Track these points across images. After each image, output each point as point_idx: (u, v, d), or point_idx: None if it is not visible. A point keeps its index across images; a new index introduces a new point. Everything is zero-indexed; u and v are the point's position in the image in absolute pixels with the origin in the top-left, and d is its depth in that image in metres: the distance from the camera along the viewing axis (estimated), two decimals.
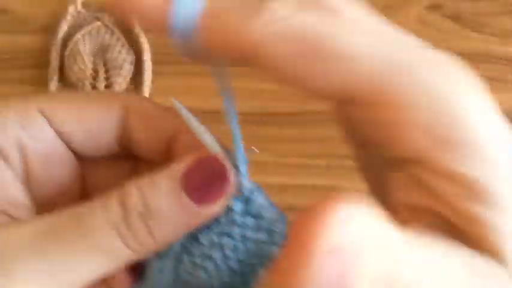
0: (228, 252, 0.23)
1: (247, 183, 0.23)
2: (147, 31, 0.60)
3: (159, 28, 0.21)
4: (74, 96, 0.27)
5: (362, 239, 0.15)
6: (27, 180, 0.25)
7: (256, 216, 0.23)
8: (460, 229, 0.18)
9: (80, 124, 0.25)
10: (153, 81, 0.60)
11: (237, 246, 0.23)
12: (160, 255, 0.24)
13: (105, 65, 0.59)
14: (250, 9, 0.19)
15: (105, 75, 0.58)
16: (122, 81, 0.58)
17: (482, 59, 0.61)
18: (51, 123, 0.25)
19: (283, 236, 0.23)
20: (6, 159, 0.24)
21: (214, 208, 0.23)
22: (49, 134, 0.25)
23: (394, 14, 0.63)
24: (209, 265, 0.24)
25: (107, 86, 0.58)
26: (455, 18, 0.62)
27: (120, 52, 0.59)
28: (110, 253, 0.22)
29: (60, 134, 0.26)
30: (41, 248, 0.21)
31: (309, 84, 0.19)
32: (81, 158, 0.27)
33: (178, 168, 0.23)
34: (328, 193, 0.17)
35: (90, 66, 0.58)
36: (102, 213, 0.22)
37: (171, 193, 0.22)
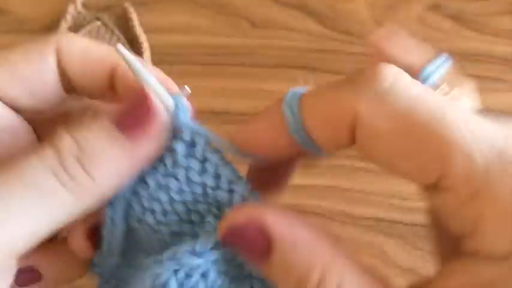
0: (173, 194, 0.24)
1: (189, 124, 0.23)
2: (147, 31, 0.60)
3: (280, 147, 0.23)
4: (9, 56, 0.25)
5: None
6: None
7: (202, 160, 0.23)
8: None
9: (19, 81, 0.25)
10: None
11: (182, 188, 0.23)
12: (111, 202, 0.24)
13: None
14: (346, 88, 0.21)
15: None
16: None
17: (482, 59, 0.61)
18: None
19: (234, 187, 0.23)
20: None
21: (147, 144, 0.22)
22: None
23: (394, 14, 0.63)
24: (156, 207, 0.24)
25: None
26: (455, 18, 0.62)
27: None
28: (53, 199, 0.21)
29: (4, 100, 0.25)
30: None
31: (402, 161, 0.20)
32: (34, 119, 0.27)
33: (107, 109, 0.23)
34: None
35: None
36: (38, 159, 0.22)
37: (101, 131, 0.22)
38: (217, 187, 0.23)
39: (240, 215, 0.22)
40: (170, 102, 0.24)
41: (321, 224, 0.59)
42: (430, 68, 0.27)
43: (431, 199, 0.21)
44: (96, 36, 0.60)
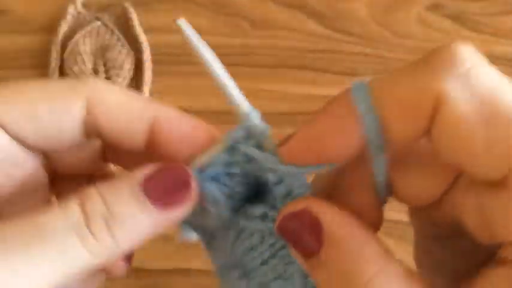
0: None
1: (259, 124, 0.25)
2: (147, 31, 0.60)
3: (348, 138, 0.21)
4: (27, 93, 0.24)
5: None
6: None
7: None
8: None
9: (35, 124, 0.24)
10: (153, 81, 0.60)
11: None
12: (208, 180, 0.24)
13: (105, 65, 0.59)
14: (425, 71, 0.20)
15: (105, 75, 0.58)
16: (121, 81, 0.58)
17: None
18: (4, 129, 0.24)
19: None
20: None
21: (177, 214, 0.23)
22: (3, 141, 0.24)
23: (395, 14, 0.63)
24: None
25: None
26: (455, 18, 0.62)
27: (120, 52, 0.59)
28: (70, 257, 0.21)
29: (15, 138, 0.24)
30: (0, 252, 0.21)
31: (477, 150, 0.19)
32: (46, 152, 0.26)
33: (140, 174, 0.22)
34: None
35: (90, 66, 0.58)
36: (62, 216, 0.21)
37: (132, 198, 0.22)
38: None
39: (299, 203, 0.22)
40: (246, 108, 0.24)
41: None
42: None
43: (481, 198, 0.20)
44: (96, 36, 0.60)
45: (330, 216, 0.21)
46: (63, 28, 0.60)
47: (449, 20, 0.62)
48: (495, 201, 0.20)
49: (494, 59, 0.65)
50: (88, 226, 0.21)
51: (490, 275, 0.20)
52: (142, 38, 0.60)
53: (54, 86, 0.24)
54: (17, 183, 0.25)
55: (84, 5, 0.61)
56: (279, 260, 0.25)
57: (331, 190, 0.24)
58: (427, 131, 0.20)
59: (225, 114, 0.61)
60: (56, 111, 0.24)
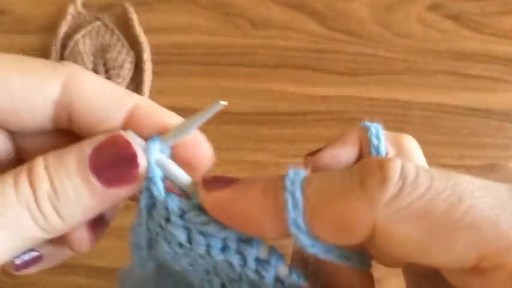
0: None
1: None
2: (147, 31, 0.60)
3: (272, 229, 0.21)
4: (2, 63, 0.23)
5: None
6: None
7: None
8: None
9: (4, 95, 0.23)
10: (153, 81, 0.60)
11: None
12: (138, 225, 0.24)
13: (105, 65, 0.59)
14: (357, 194, 0.19)
15: (105, 75, 0.58)
16: (121, 81, 0.58)
17: (482, 59, 0.61)
18: None
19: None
20: None
21: (123, 192, 0.23)
22: None
23: (395, 14, 0.63)
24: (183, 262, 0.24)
25: None
26: (455, 18, 0.62)
27: (120, 52, 0.59)
28: (22, 231, 0.22)
29: None
30: None
31: (432, 258, 0.19)
32: (14, 133, 0.25)
33: (88, 148, 0.22)
34: None
35: (90, 66, 0.58)
36: (14, 191, 0.22)
37: (78, 174, 0.22)
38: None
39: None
40: (187, 182, 0.23)
41: None
42: (375, 143, 0.30)
43: (466, 282, 0.20)
44: (96, 36, 0.60)
45: None
46: (63, 28, 0.60)
47: (449, 20, 0.62)
48: (477, 282, 0.20)
49: (494, 59, 0.66)
50: (37, 204, 0.22)
51: None
52: (143, 38, 0.60)
53: (32, 62, 0.24)
54: None
55: (84, 5, 0.61)
56: None
57: (320, 271, 0.24)
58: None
59: (225, 114, 0.61)
60: (29, 85, 0.23)
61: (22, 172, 0.22)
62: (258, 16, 0.62)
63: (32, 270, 0.26)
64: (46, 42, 0.60)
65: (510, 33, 0.62)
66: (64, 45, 0.60)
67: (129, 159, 0.22)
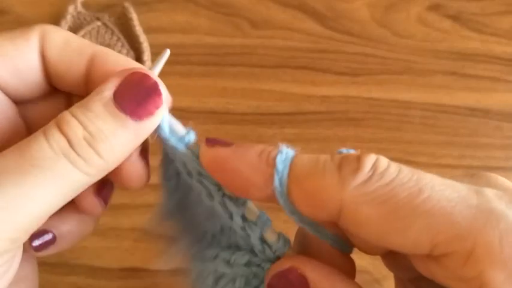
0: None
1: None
2: (147, 31, 0.60)
3: (257, 189, 0.23)
4: None
5: None
6: None
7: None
8: None
9: (4, 63, 0.25)
10: None
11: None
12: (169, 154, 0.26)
13: None
14: (333, 175, 0.22)
15: None
16: None
17: (482, 59, 0.61)
18: None
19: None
20: None
21: (153, 121, 0.24)
22: None
23: (395, 14, 0.63)
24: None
25: None
26: (455, 18, 0.62)
27: (120, 52, 0.59)
28: (65, 180, 0.23)
29: None
30: None
31: (391, 241, 0.21)
32: (18, 102, 0.27)
33: (109, 89, 0.24)
34: None
35: None
36: (47, 144, 0.22)
37: (107, 114, 0.23)
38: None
39: (285, 263, 0.24)
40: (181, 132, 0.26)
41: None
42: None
43: (429, 269, 0.22)
44: (96, 36, 0.60)
45: (316, 273, 0.23)
46: (63, 28, 0.60)
47: (449, 20, 0.62)
48: (434, 267, 0.22)
49: (494, 59, 0.66)
50: (74, 149, 0.23)
51: None
52: (143, 38, 0.60)
53: (12, 31, 0.26)
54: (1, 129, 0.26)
55: (84, 5, 0.61)
56: None
57: (305, 248, 0.27)
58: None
59: (225, 114, 0.61)
60: (18, 43, 0.25)
61: (50, 125, 0.23)
62: (258, 16, 0.62)
63: (50, 251, 0.28)
64: None
65: (510, 33, 0.62)
66: None
67: (152, 88, 0.24)
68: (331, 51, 0.61)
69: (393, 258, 0.27)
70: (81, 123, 0.23)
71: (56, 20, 0.61)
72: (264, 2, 0.62)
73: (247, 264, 0.26)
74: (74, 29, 0.60)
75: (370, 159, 0.22)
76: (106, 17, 0.61)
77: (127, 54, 0.59)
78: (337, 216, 0.22)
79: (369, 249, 0.25)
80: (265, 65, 0.60)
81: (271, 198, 0.23)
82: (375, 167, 0.22)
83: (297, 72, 0.60)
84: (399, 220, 0.21)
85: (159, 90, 0.24)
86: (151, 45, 0.60)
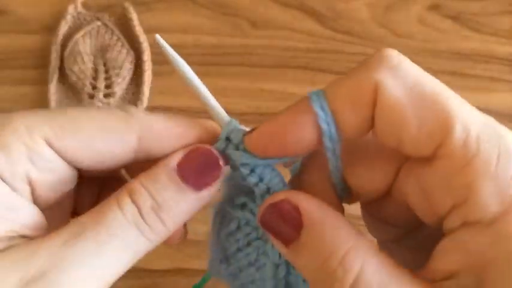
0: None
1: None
2: (147, 31, 0.60)
3: (304, 136, 0.25)
4: (83, 123, 0.26)
5: None
6: (36, 203, 0.26)
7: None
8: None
9: (89, 155, 0.26)
10: (153, 81, 0.60)
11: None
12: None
13: (105, 65, 0.59)
14: (365, 69, 0.24)
15: (105, 75, 0.58)
16: (121, 81, 0.58)
17: (482, 59, 0.61)
18: (59, 154, 0.25)
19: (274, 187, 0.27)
20: (15, 190, 0.24)
21: (212, 190, 0.26)
22: (57, 163, 0.26)
23: (395, 14, 0.63)
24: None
25: (107, 86, 0.58)
26: (455, 18, 0.62)
27: (120, 52, 0.59)
28: (135, 247, 0.25)
29: (68, 161, 0.26)
30: (77, 252, 0.23)
31: (408, 131, 0.23)
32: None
33: (173, 160, 0.26)
34: None
35: (90, 66, 0.58)
36: (121, 212, 0.24)
37: (171, 183, 0.25)
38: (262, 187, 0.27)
39: (278, 196, 0.25)
40: (225, 118, 0.28)
41: None
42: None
43: (420, 177, 0.24)
44: (96, 36, 0.60)
45: (308, 203, 0.24)
46: (63, 28, 0.60)
47: (449, 20, 0.62)
48: (430, 175, 0.23)
49: (494, 59, 0.66)
50: (143, 218, 0.25)
51: (438, 249, 0.23)
52: (143, 38, 0.60)
53: (109, 120, 0.27)
54: (60, 195, 0.27)
55: (84, 5, 0.61)
56: (253, 250, 0.28)
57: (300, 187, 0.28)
58: (372, 122, 0.24)
59: None
60: (111, 142, 0.26)
61: (123, 193, 0.25)
62: (258, 16, 0.62)
63: None
64: (46, 42, 0.60)
65: (510, 33, 0.62)
66: (64, 45, 0.60)
67: (213, 163, 0.26)
68: (331, 51, 0.61)
69: (377, 209, 0.28)
70: (149, 193, 0.25)
71: (56, 20, 0.61)
72: (264, 2, 0.62)
73: (242, 206, 0.28)
74: (74, 29, 0.60)
75: (393, 51, 0.24)
76: (106, 17, 0.61)
77: (127, 54, 0.59)
78: (372, 105, 0.23)
79: (364, 187, 0.27)
80: (265, 65, 0.60)
81: (318, 142, 0.24)
82: (399, 57, 0.23)
83: (297, 72, 0.60)
84: (424, 109, 0.22)
85: (219, 164, 0.26)
86: (152, 45, 0.60)
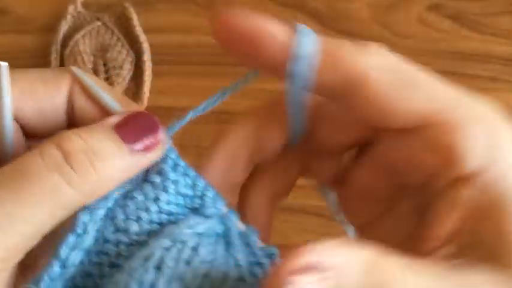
0: (162, 204, 0.25)
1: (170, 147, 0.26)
2: (147, 31, 0.60)
3: (273, 57, 0.25)
4: (26, 74, 0.27)
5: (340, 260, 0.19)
6: None
7: (184, 174, 0.26)
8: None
9: (32, 102, 0.26)
10: (153, 81, 0.60)
11: (170, 200, 0.26)
12: (89, 209, 0.25)
13: (105, 65, 0.59)
14: (356, 47, 0.25)
15: (105, 75, 0.58)
16: (121, 81, 0.59)
17: (482, 59, 0.61)
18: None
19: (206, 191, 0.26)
20: None
21: (148, 158, 0.25)
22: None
23: (395, 14, 0.63)
24: (144, 216, 0.25)
25: None
26: (455, 18, 0.62)
27: (120, 52, 0.59)
28: (57, 197, 0.22)
29: (18, 120, 0.26)
30: None
31: (395, 107, 0.23)
32: (28, 135, 0.27)
33: (112, 119, 0.25)
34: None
35: (90, 66, 0.58)
36: (40, 158, 0.22)
37: (109, 138, 0.24)
38: (195, 196, 0.26)
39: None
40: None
41: (321, 224, 0.59)
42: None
43: (407, 144, 0.24)
44: (96, 36, 0.60)
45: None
46: (63, 28, 0.60)
47: (449, 20, 0.62)
48: (414, 140, 0.24)
49: (494, 59, 0.66)
50: (69, 163, 0.22)
51: (431, 215, 0.23)
52: (143, 38, 0.60)
53: (43, 70, 0.27)
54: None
55: (84, 5, 0.61)
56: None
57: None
58: (346, 91, 0.24)
59: (225, 114, 0.61)
60: (49, 87, 0.26)
61: (49, 140, 0.23)
62: None
63: None
64: (46, 42, 0.60)
65: (510, 33, 0.62)
66: (64, 45, 0.60)
67: (152, 126, 0.25)
68: None
69: (354, 183, 0.28)
70: (82, 138, 0.23)
71: (56, 20, 0.61)
72: (264, 2, 0.62)
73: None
74: (74, 29, 0.60)
75: (374, 43, 0.25)
76: (106, 17, 0.61)
77: (127, 55, 0.59)
78: (350, 84, 0.24)
79: (330, 144, 0.28)
80: None
81: (281, 67, 0.26)
82: (379, 46, 0.25)
83: None
84: (410, 87, 0.23)
85: (158, 129, 0.25)
86: (151, 45, 0.60)
